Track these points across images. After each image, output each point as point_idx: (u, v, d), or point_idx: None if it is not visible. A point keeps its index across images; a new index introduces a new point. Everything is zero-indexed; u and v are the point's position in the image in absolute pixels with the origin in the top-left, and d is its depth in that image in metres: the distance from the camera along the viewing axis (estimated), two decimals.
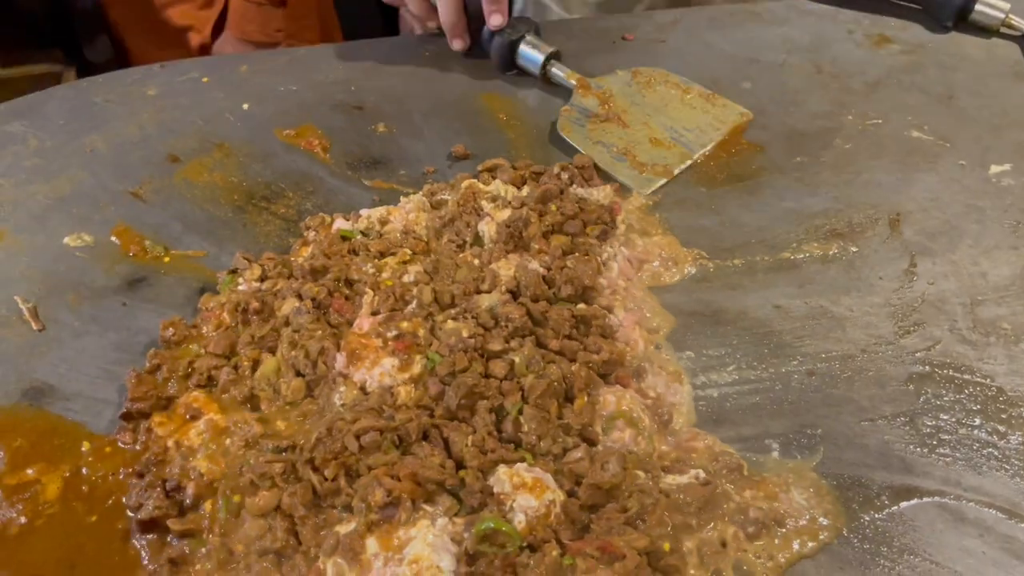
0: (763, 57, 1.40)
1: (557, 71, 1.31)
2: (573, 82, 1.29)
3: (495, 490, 0.77)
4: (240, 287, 0.98)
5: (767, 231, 1.10)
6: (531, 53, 1.31)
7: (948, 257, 1.07)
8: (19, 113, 1.26)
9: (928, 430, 0.89)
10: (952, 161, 1.21)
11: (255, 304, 0.94)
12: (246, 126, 1.25)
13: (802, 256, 1.07)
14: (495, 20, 1.31)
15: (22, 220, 1.09)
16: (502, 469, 0.78)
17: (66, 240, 1.07)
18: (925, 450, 0.87)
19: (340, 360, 0.87)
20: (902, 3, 1.48)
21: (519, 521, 0.74)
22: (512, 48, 1.32)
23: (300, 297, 0.94)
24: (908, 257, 1.07)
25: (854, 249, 1.08)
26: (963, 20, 1.43)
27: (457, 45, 1.36)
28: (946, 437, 0.88)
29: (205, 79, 1.34)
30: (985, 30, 1.42)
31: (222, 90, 1.32)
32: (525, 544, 0.73)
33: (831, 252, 1.08)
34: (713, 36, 1.45)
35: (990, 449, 0.87)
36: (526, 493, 0.76)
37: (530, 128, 1.27)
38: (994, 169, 1.19)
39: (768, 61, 1.39)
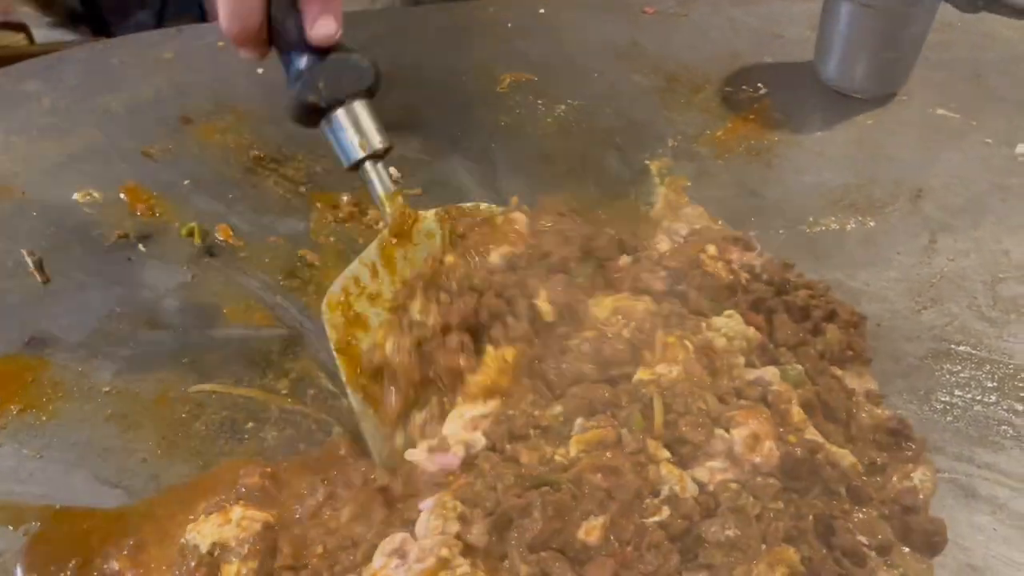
0: (788, 33, 1.37)
1: (375, 178, 0.82)
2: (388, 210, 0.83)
3: None
4: None
5: (784, 203, 1.08)
6: (346, 138, 0.79)
7: (970, 234, 1.04)
8: (34, 73, 1.25)
9: (942, 406, 0.86)
10: (978, 139, 1.18)
11: None
12: (260, 90, 1.24)
13: (819, 229, 1.05)
14: (323, 30, 0.77)
15: (33, 176, 1.09)
16: None
17: (75, 196, 1.06)
18: (939, 426, 0.84)
19: None
20: None
21: None
22: (314, 111, 0.79)
23: None
24: (928, 233, 1.04)
25: (872, 223, 1.05)
26: (994, 0, 1.39)
27: (247, 53, 0.83)
28: (961, 413, 0.85)
29: (221, 43, 1.33)
30: (1017, 10, 1.38)
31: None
32: None
33: (848, 227, 1.05)
34: (736, 11, 1.42)
35: (1006, 427, 0.84)
36: None
37: None
38: (1021, 148, 1.16)
39: (793, 37, 1.36)
